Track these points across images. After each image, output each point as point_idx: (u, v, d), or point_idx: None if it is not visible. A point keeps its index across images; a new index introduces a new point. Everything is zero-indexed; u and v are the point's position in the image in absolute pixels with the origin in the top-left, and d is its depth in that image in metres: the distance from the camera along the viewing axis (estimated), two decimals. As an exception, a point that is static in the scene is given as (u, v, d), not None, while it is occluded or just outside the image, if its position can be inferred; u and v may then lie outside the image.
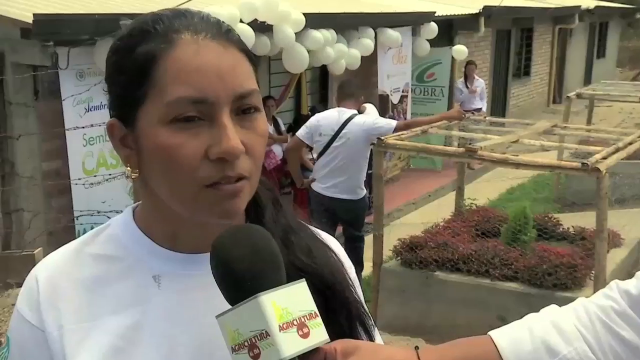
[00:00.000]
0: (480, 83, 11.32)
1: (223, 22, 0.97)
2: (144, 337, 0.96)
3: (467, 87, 11.14)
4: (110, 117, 0.97)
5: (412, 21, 10.00)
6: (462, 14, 11.51)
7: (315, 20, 7.55)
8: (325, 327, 0.88)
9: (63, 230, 5.47)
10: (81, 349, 0.95)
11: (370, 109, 8.06)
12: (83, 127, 5.34)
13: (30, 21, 4.96)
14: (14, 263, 4.81)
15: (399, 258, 5.51)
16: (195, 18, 0.94)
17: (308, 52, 7.40)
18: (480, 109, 10.79)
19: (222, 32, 0.94)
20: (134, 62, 0.92)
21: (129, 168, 0.96)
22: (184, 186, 0.91)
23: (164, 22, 0.93)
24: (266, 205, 1.03)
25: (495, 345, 0.97)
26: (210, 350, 0.97)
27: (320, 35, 7.57)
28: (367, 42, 8.59)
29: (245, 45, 0.97)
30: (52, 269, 1.01)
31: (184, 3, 5.24)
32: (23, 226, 5.65)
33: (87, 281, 0.99)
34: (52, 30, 5.19)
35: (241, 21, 6.34)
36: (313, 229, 1.11)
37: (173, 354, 0.96)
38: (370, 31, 8.76)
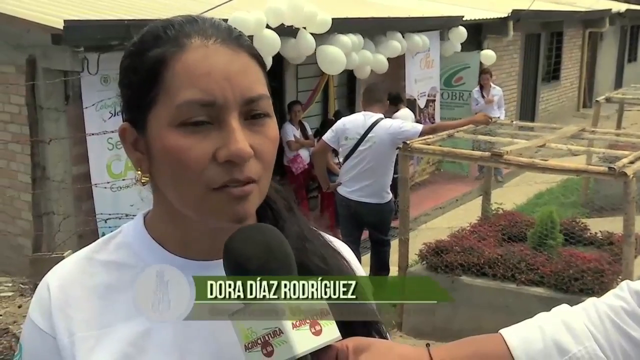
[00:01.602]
0: (498, 91, 10.51)
1: (234, 28, 0.98)
2: (154, 345, 0.96)
3: (483, 96, 10.41)
4: (123, 122, 0.99)
5: (440, 25, 9.99)
6: (490, 18, 11.47)
7: (343, 25, 7.57)
8: (342, 334, 0.88)
9: (92, 233, 5.54)
10: (92, 357, 0.96)
11: (404, 114, 8.06)
12: (112, 132, 5.40)
13: (61, 27, 5.05)
14: (44, 265, 4.88)
15: (424, 262, 5.49)
16: (207, 24, 0.95)
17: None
18: (499, 117, 10.29)
19: (232, 37, 0.95)
20: (145, 65, 0.93)
21: (139, 172, 0.97)
22: (192, 189, 0.91)
23: (175, 27, 0.94)
24: (280, 213, 1.04)
25: (506, 343, 0.98)
26: (221, 358, 0.97)
27: (349, 39, 7.59)
28: (394, 45, 8.60)
29: (256, 51, 0.97)
30: (63, 277, 1.02)
31: (210, 9, 5.29)
32: (53, 229, 5.74)
33: (98, 289, 1.00)
34: (82, 36, 5.28)
35: (268, 26, 6.38)
36: (326, 236, 1.11)
37: None
38: (398, 35, 8.77)
